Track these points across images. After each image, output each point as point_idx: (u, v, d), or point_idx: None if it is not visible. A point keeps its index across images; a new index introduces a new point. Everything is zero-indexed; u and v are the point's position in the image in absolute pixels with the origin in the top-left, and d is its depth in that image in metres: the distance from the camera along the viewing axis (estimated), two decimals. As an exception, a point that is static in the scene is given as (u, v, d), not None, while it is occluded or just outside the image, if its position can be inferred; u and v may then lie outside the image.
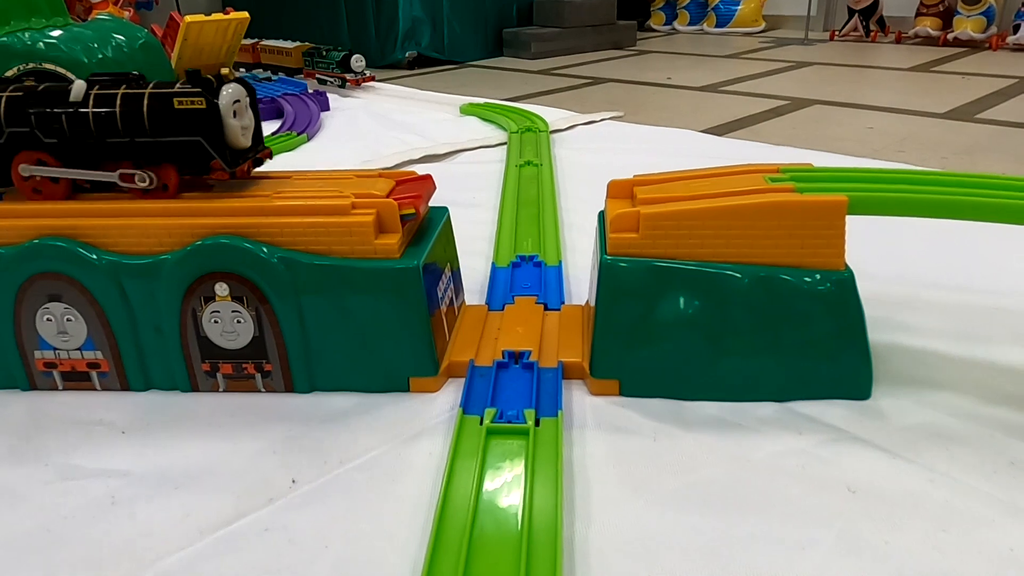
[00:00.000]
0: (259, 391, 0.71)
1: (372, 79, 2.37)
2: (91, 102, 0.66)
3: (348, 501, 0.57)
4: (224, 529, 0.55)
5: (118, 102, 0.66)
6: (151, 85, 0.67)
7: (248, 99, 0.69)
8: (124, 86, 0.67)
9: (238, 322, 0.68)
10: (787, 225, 0.64)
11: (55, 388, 0.72)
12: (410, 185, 0.73)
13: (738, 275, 0.65)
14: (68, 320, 0.69)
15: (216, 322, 0.68)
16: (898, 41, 3.17)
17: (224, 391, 0.71)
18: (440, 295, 0.73)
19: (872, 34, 3.26)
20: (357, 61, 2.33)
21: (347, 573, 0.51)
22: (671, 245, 0.65)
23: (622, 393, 0.68)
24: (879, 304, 0.80)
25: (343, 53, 2.34)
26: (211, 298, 0.67)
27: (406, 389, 0.70)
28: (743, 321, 0.65)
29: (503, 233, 1.03)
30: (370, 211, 0.67)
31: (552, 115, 1.82)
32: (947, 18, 3.03)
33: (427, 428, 0.65)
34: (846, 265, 0.65)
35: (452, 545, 0.51)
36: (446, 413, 0.67)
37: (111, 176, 0.68)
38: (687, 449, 0.61)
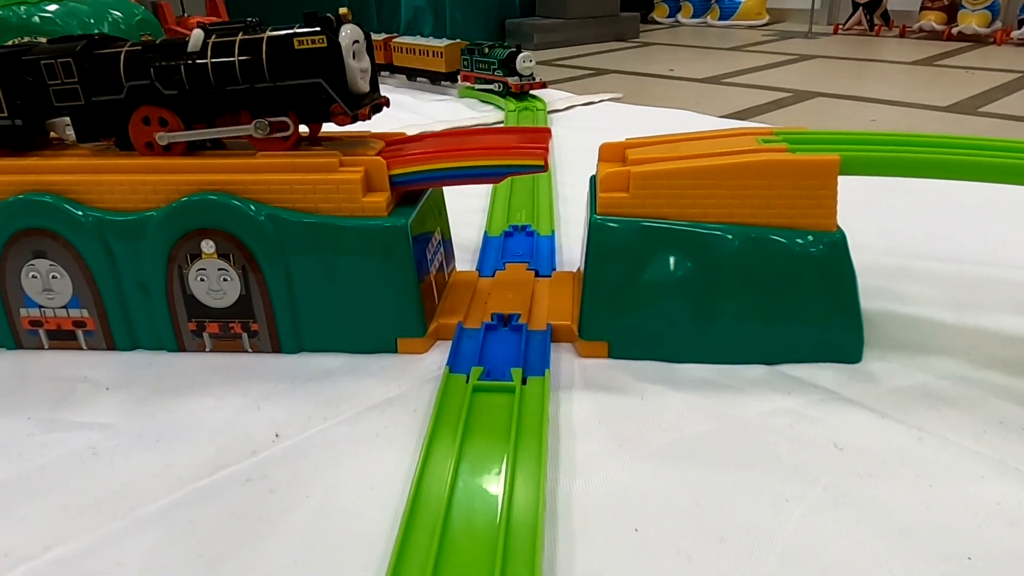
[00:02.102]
0: (246, 351, 0.70)
1: (543, 85, 1.84)
2: (209, 51, 0.64)
3: (331, 455, 0.57)
4: (205, 479, 0.54)
5: (236, 49, 0.63)
6: (269, 28, 0.64)
7: (365, 41, 0.67)
8: (241, 32, 0.64)
9: (224, 280, 0.67)
10: (778, 185, 0.63)
11: (41, 347, 0.72)
12: (533, 136, 0.71)
13: (728, 235, 0.64)
14: (53, 277, 0.69)
15: (202, 280, 0.68)
16: (902, 35, 3.16)
17: (211, 351, 0.71)
18: (429, 257, 0.73)
19: (876, 28, 3.25)
20: (525, 61, 1.78)
21: (326, 522, 0.50)
22: (661, 205, 0.65)
23: (611, 355, 0.68)
24: (873, 274, 0.80)
25: (508, 50, 1.81)
26: (197, 255, 0.67)
27: (394, 350, 0.70)
28: (733, 282, 0.65)
29: (496, 205, 1.03)
30: (358, 169, 0.66)
31: (551, 96, 1.81)
32: (952, 12, 3.02)
33: (413, 387, 0.65)
34: (838, 226, 0.65)
35: (433, 497, 0.51)
36: (433, 373, 0.66)
37: (243, 130, 0.66)
38: (675, 408, 0.61)
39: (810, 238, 0.64)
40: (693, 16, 3.74)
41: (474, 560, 0.45)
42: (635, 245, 0.65)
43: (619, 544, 0.48)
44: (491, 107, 1.75)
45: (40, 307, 0.70)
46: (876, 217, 0.96)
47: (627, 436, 0.58)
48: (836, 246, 0.64)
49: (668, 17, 3.87)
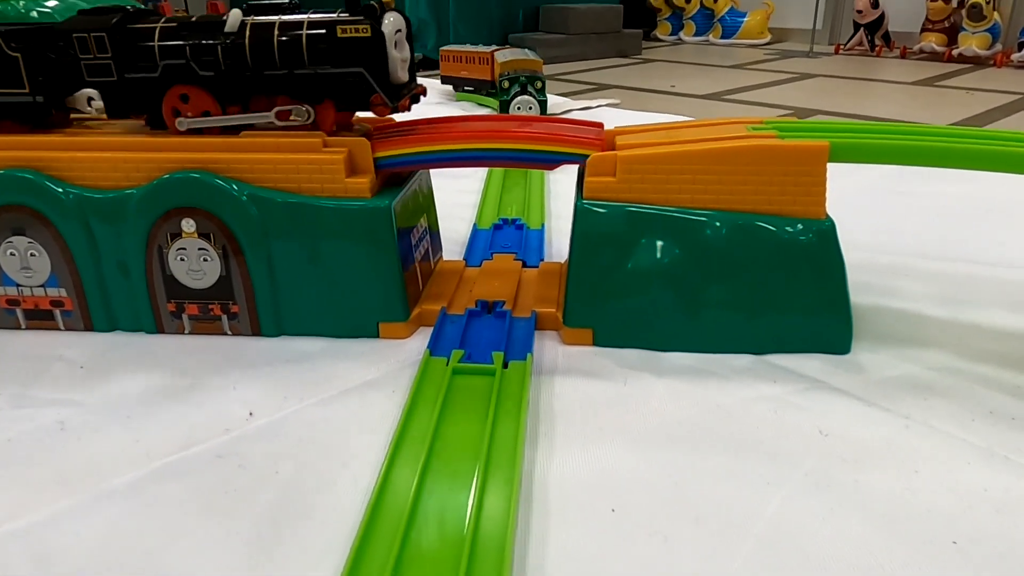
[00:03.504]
0: (225, 334, 0.69)
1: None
2: (248, 32, 0.62)
3: (304, 434, 0.56)
4: (175, 455, 0.53)
5: (275, 31, 0.62)
6: (309, 12, 0.63)
7: (406, 30, 0.66)
8: (281, 15, 0.63)
9: (204, 260, 0.66)
10: (767, 171, 0.62)
11: (18, 327, 0.71)
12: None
13: (716, 222, 0.63)
14: (32, 255, 0.68)
15: (182, 260, 0.67)
16: (903, 56, 3.16)
17: (190, 333, 0.70)
18: (414, 243, 0.72)
19: (877, 48, 3.26)
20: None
21: (295, 498, 0.49)
22: (648, 190, 0.64)
23: (596, 343, 0.67)
24: (865, 271, 0.79)
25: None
26: (177, 234, 0.66)
27: (375, 335, 0.69)
28: (720, 269, 0.64)
29: (487, 199, 1.02)
30: (341, 149, 0.65)
31: (549, 100, 1.81)
32: (952, 34, 3.02)
33: (393, 370, 0.64)
34: (827, 214, 0.64)
35: (405, 473, 0.49)
36: (414, 357, 0.65)
37: (266, 117, 0.65)
38: (657, 393, 0.60)
39: (800, 226, 0.63)
40: (695, 34, 3.75)
41: (442, 543, 0.44)
42: (621, 230, 0.64)
43: (594, 523, 0.46)
44: (488, 109, 1.75)
45: (18, 286, 0.69)
46: (870, 218, 0.95)
47: (608, 420, 0.56)
48: (825, 234, 0.63)
49: (670, 35, 3.88)
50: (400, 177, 0.71)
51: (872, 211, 0.99)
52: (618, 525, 0.46)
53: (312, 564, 0.43)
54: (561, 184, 1.14)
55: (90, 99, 0.69)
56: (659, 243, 0.64)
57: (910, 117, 1.93)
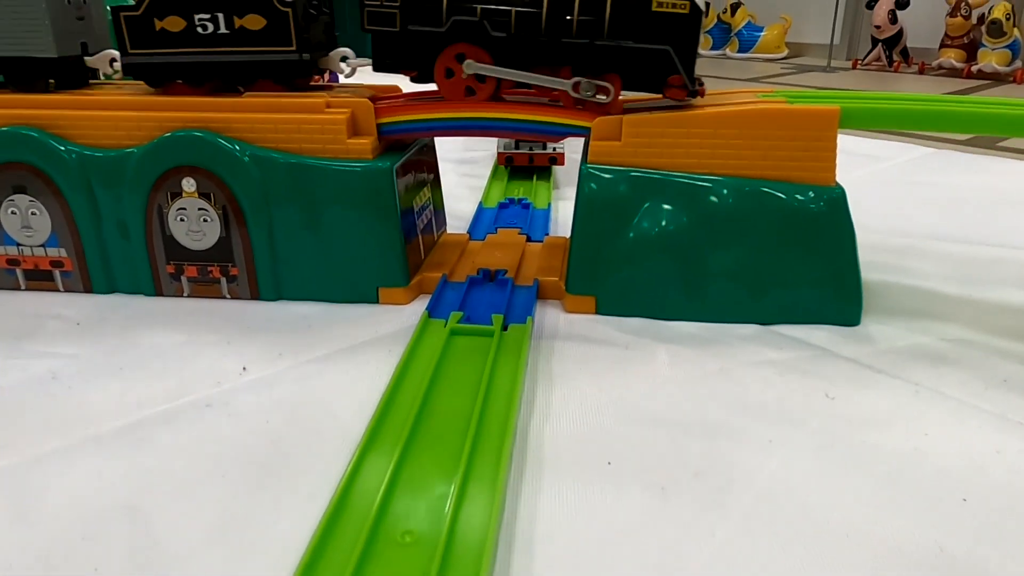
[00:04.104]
0: (224, 297, 0.68)
1: None
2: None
3: (297, 387, 0.55)
4: (164, 405, 0.52)
5: (577, 1, 0.59)
6: None
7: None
8: None
9: (204, 221, 0.66)
10: (776, 135, 0.61)
11: (17, 287, 0.70)
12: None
13: (723, 188, 0.62)
14: (33, 214, 0.68)
15: (182, 220, 0.66)
16: (921, 72, 3.14)
17: (188, 296, 0.69)
18: (416, 210, 0.71)
19: (895, 64, 3.24)
20: None
21: (284, 446, 0.48)
22: (654, 154, 0.63)
23: (598, 311, 0.65)
24: (876, 251, 0.77)
25: None
26: (178, 194, 0.65)
27: (375, 300, 0.68)
28: (727, 236, 0.62)
29: (494, 182, 1.01)
30: (344, 110, 0.65)
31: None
32: (972, 50, 3.00)
33: (390, 333, 0.62)
34: (837, 182, 0.62)
35: (396, 426, 0.48)
36: (412, 321, 0.64)
37: (561, 84, 0.62)
38: (659, 358, 0.58)
39: (811, 193, 0.62)
40: (712, 48, 3.75)
41: (428, 484, 0.43)
42: (626, 195, 0.63)
43: (589, 474, 0.45)
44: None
45: (18, 245, 0.69)
46: (884, 204, 0.94)
47: (607, 381, 0.55)
48: (835, 202, 0.62)
49: (688, 49, 3.88)
50: (404, 144, 0.70)
51: (886, 198, 0.98)
52: (615, 477, 0.45)
53: (297, 508, 0.42)
54: (569, 174, 1.13)
55: (112, 60, 0.68)
56: (664, 209, 0.63)
57: (928, 131, 1.91)
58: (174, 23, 0.64)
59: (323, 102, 0.65)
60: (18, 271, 0.70)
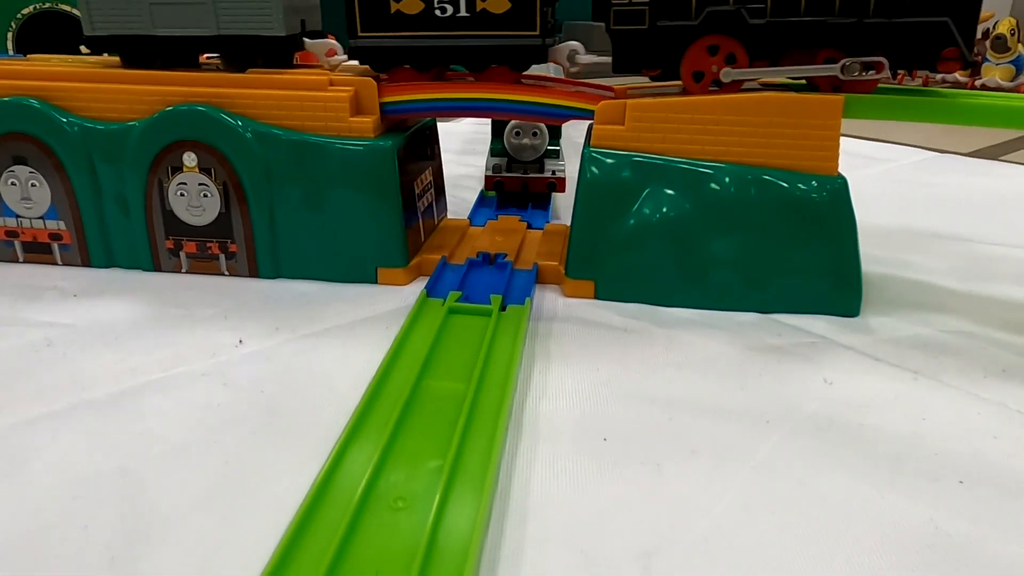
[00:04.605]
0: (222, 274, 0.68)
1: None
2: None
3: (293, 360, 0.54)
4: (159, 374, 0.52)
5: None
6: None
7: None
8: None
9: (204, 196, 0.66)
10: (780, 123, 0.61)
11: (15, 260, 0.70)
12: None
13: (726, 175, 0.62)
14: (32, 185, 0.67)
15: (182, 195, 0.66)
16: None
17: (187, 272, 0.69)
18: (417, 192, 0.71)
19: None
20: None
21: (279, 414, 0.48)
22: (657, 139, 0.63)
23: (598, 296, 0.65)
24: (878, 246, 0.77)
25: None
26: (179, 168, 0.65)
27: (374, 281, 0.67)
28: (728, 223, 0.62)
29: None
30: (347, 88, 0.64)
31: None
32: (975, 65, 3.01)
33: (388, 311, 0.62)
34: (839, 172, 0.62)
35: (391, 398, 0.48)
36: (410, 300, 0.64)
37: (829, 70, 0.59)
38: (658, 341, 0.58)
39: (813, 183, 0.61)
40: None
41: (422, 455, 0.42)
42: (628, 180, 0.63)
43: (585, 450, 0.45)
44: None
45: (17, 217, 0.69)
46: (887, 202, 0.94)
47: (605, 362, 0.55)
48: (838, 191, 0.61)
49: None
50: (407, 126, 0.70)
51: (887, 196, 0.98)
52: (611, 453, 0.44)
53: (290, 473, 0.42)
54: (571, 165, 1.13)
55: (329, 51, 0.68)
56: (666, 194, 0.62)
57: (932, 143, 1.90)
58: (411, 5, 0.62)
59: (326, 79, 0.65)
60: (16, 243, 0.70)
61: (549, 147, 0.87)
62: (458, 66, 0.66)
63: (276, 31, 0.64)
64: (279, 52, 0.66)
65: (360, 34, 0.64)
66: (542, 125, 0.83)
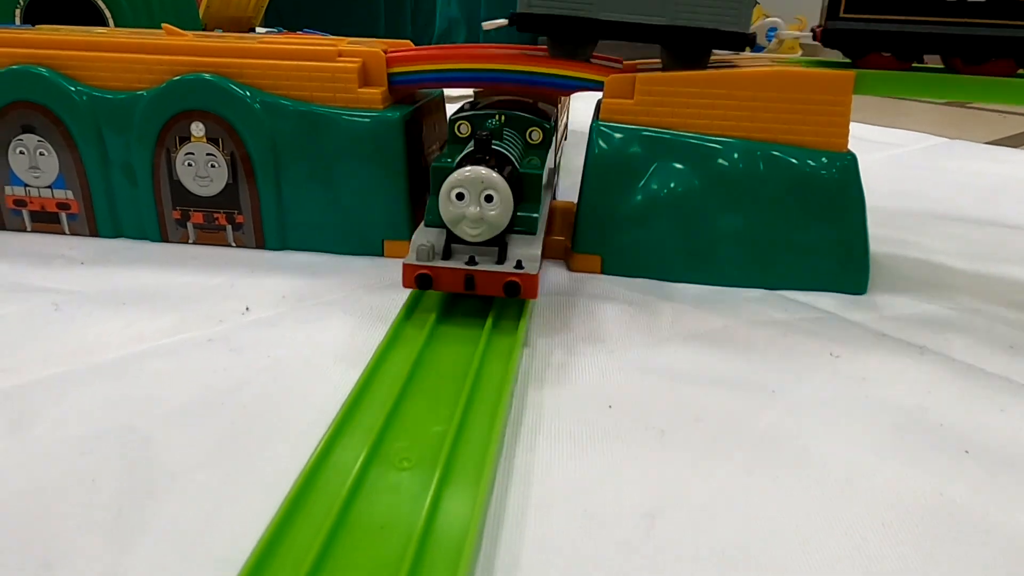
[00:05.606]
0: (229, 245, 0.68)
1: None
2: None
3: (299, 327, 0.54)
4: (166, 339, 0.52)
5: None
6: None
7: None
8: None
9: (212, 166, 0.66)
10: (790, 98, 0.61)
11: (23, 229, 0.70)
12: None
13: (734, 150, 0.62)
14: (41, 154, 0.67)
15: (190, 165, 0.66)
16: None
17: (194, 243, 0.69)
18: (424, 166, 0.70)
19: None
20: None
21: (285, 378, 0.48)
22: (667, 113, 0.62)
23: (604, 271, 0.65)
24: (886, 226, 0.77)
25: None
26: (186, 138, 0.65)
27: (380, 253, 0.67)
28: (737, 199, 0.62)
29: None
30: (356, 59, 0.64)
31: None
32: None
33: (395, 282, 0.62)
34: (849, 149, 0.62)
35: (397, 366, 0.48)
36: (417, 273, 0.63)
37: None
38: (663, 315, 0.58)
39: (823, 159, 0.61)
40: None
41: (427, 419, 0.42)
42: (636, 154, 0.63)
43: (589, 416, 0.45)
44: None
45: (25, 186, 0.69)
46: (896, 185, 0.93)
47: (610, 334, 0.55)
48: (847, 168, 0.61)
49: (701, 47, 3.87)
50: (415, 100, 0.70)
51: (896, 179, 0.97)
52: (614, 419, 0.44)
53: (295, 435, 0.42)
54: (577, 148, 1.13)
55: (771, 29, 0.68)
56: (674, 169, 0.62)
57: (944, 97, 1.90)
58: None
59: (335, 50, 0.64)
60: (24, 212, 0.70)
61: (519, 215, 0.54)
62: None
63: (738, 26, 0.60)
64: (733, 48, 0.61)
65: (842, 15, 0.59)
66: (500, 186, 0.51)
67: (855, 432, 0.44)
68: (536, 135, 0.63)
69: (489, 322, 0.52)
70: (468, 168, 0.51)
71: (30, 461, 0.39)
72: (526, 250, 0.53)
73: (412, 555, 0.31)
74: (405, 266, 0.52)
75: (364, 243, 0.67)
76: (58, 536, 0.34)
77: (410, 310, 0.54)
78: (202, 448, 0.40)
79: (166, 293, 0.59)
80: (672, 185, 0.62)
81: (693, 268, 0.63)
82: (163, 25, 0.71)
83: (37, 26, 0.77)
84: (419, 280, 0.51)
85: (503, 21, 0.65)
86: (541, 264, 0.53)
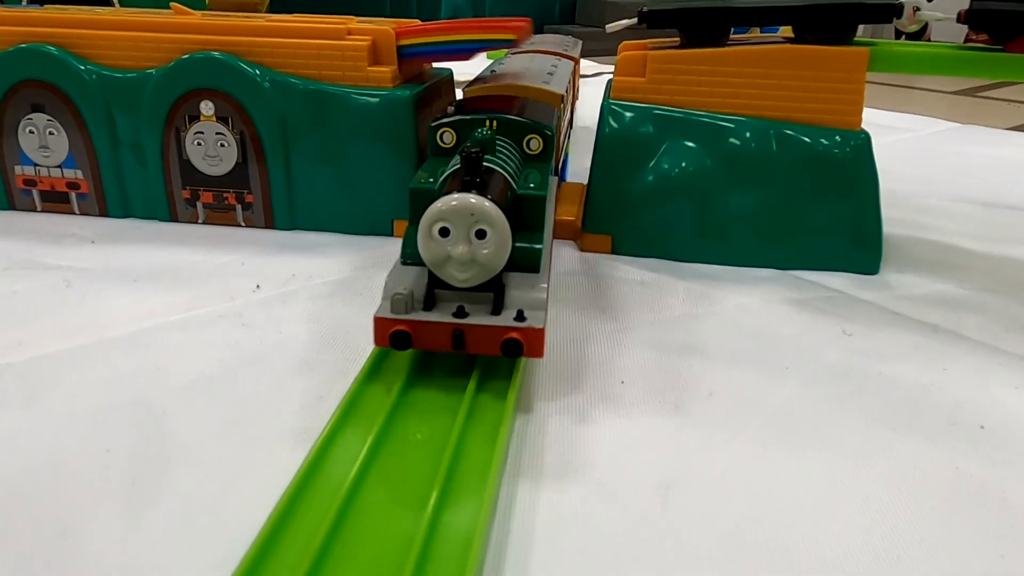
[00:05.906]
0: (239, 225, 0.68)
1: None
2: None
3: (309, 304, 0.54)
4: (177, 315, 0.52)
5: None
6: None
7: None
8: None
9: (221, 146, 0.65)
10: (803, 76, 0.60)
11: (33, 209, 0.70)
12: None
13: (747, 129, 0.61)
14: (50, 133, 0.67)
15: (199, 144, 0.66)
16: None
17: (203, 222, 0.69)
18: (435, 146, 0.70)
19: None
20: None
21: (296, 353, 0.48)
22: (678, 91, 0.62)
23: (615, 251, 0.65)
24: (899, 209, 0.76)
25: None
26: (196, 117, 0.65)
27: (389, 233, 0.67)
28: (748, 179, 0.62)
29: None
30: (366, 37, 0.64)
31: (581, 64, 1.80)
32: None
33: (405, 261, 0.62)
34: (862, 127, 0.61)
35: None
36: (427, 252, 0.63)
37: None
38: (675, 292, 0.58)
39: (836, 138, 0.61)
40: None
41: (439, 394, 0.42)
42: (647, 133, 0.62)
43: (602, 391, 0.44)
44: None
45: (35, 165, 0.69)
46: (909, 168, 0.93)
47: (622, 312, 0.55)
48: (860, 147, 0.61)
49: (708, 36, 3.85)
50: (424, 79, 0.70)
51: (908, 163, 0.97)
52: (627, 393, 0.44)
53: (308, 409, 0.42)
54: (586, 134, 1.12)
55: (916, 9, 0.63)
56: (686, 148, 0.62)
57: (957, 75, 1.89)
58: None
59: (344, 28, 0.64)
60: (34, 192, 0.70)
61: (518, 247, 0.42)
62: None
63: None
64: (879, 21, 0.59)
65: None
66: (496, 219, 0.39)
67: (870, 408, 0.43)
68: (535, 143, 0.53)
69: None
70: (454, 196, 0.39)
71: (46, 432, 0.39)
72: (528, 294, 0.41)
73: (423, 532, 0.31)
74: (377, 320, 0.40)
75: (374, 223, 0.67)
76: (73, 504, 0.34)
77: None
78: (216, 419, 0.40)
79: (177, 271, 0.59)
80: (684, 164, 0.62)
81: (705, 248, 0.63)
82: (172, 4, 0.71)
83: (45, 6, 0.77)
84: (394, 339, 0.40)
85: (629, 21, 0.63)
86: (547, 311, 0.42)
